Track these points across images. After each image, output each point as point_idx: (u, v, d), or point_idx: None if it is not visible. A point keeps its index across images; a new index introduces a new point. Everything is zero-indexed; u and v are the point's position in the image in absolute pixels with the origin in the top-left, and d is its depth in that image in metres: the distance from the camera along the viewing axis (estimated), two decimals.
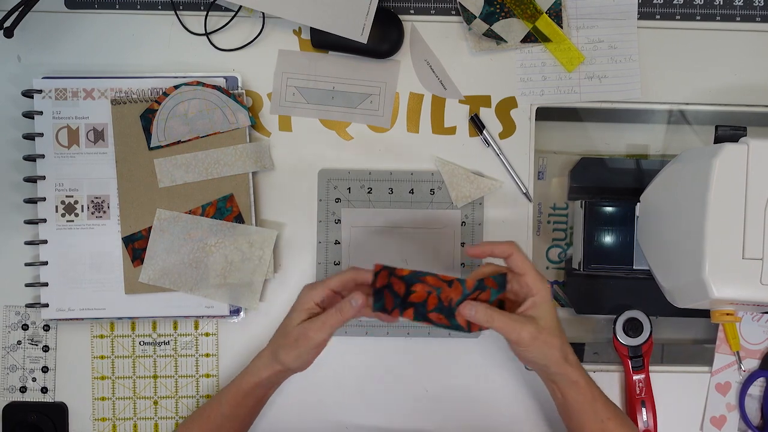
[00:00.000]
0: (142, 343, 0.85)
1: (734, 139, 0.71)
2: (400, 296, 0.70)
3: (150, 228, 0.82)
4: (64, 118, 0.83)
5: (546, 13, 0.83)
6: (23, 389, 0.85)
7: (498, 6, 0.82)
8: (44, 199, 0.83)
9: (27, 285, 0.84)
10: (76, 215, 0.83)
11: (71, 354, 0.85)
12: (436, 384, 0.84)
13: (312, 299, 0.72)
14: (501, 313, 0.68)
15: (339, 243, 0.84)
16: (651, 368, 0.84)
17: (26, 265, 0.83)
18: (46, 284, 0.83)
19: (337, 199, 0.84)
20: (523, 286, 0.70)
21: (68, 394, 0.85)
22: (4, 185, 0.84)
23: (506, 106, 0.85)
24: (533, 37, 0.83)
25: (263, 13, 0.83)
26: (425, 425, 0.84)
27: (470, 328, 0.69)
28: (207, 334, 0.85)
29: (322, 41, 0.83)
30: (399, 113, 0.85)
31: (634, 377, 0.83)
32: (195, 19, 0.84)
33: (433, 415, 0.84)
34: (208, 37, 0.84)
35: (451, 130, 0.85)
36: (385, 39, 0.82)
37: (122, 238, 0.83)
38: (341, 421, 0.84)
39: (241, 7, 0.83)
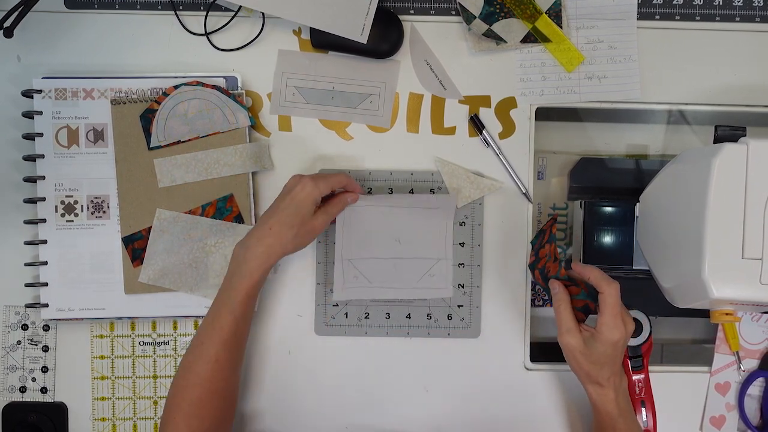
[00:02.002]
0: (141, 343, 0.85)
1: (734, 139, 0.71)
2: (539, 245, 0.81)
3: (150, 228, 0.82)
4: (63, 118, 0.83)
5: (546, 13, 0.83)
6: (23, 389, 0.85)
7: (498, 6, 0.82)
8: (44, 199, 0.83)
9: (27, 285, 0.84)
10: (76, 215, 0.83)
11: (71, 354, 0.85)
12: (436, 384, 0.84)
13: (321, 192, 0.77)
14: (567, 312, 0.75)
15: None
16: (651, 368, 0.84)
17: (26, 265, 0.83)
18: (45, 284, 0.83)
19: None
20: (598, 319, 0.74)
21: (68, 394, 0.85)
22: (4, 185, 0.84)
23: (506, 106, 0.85)
24: (533, 37, 0.83)
25: (263, 13, 0.83)
26: (425, 425, 0.84)
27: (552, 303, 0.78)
28: None
29: (322, 41, 0.83)
30: (399, 113, 0.85)
31: (634, 377, 0.83)
32: (195, 19, 0.84)
33: (433, 415, 0.84)
34: (207, 37, 0.84)
35: (451, 130, 0.85)
36: (385, 39, 0.82)
37: (122, 238, 0.83)
38: (341, 421, 0.84)
39: (240, 7, 0.83)
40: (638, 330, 0.84)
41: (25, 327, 0.85)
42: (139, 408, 0.85)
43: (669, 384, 0.84)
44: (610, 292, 0.73)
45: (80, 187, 0.83)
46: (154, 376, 0.85)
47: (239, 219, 0.83)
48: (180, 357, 0.84)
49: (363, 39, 0.81)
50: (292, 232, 0.76)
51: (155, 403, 0.85)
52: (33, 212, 0.83)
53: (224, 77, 0.83)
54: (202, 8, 0.84)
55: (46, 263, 0.83)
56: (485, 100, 0.85)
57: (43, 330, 0.85)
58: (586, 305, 0.76)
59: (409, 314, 0.84)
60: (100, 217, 0.83)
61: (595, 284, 0.74)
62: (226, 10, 0.84)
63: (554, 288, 0.77)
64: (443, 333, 0.84)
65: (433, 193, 0.84)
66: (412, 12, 0.84)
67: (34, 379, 0.85)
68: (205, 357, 0.74)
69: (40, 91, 0.82)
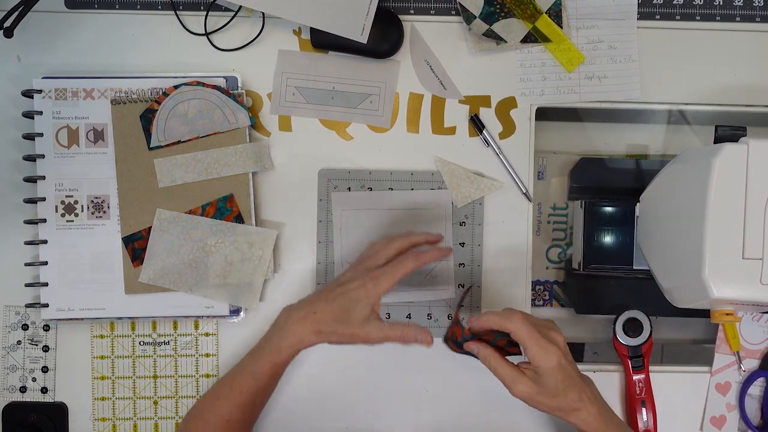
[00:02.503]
0: (142, 343, 0.85)
1: (734, 139, 0.71)
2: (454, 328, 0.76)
3: (150, 228, 0.82)
4: (64, 118, 0.83)
5: (546, 13, 0.83)
6: (23, 389, 0.85)
7: (498, 6, 0.82)
8: (44, 199, 0.83)
9: (27, 285, 0.84)
10: (76, 215, 0.83)
11: (71, 354, 0.85)
12: (436, 384, 0.84)
13: (383, 296, 0.71)
14: (501, 363, 0.70)
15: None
16: (651, 368, 0.84)
17: (26, 265, 0.83)
18: (46, 284, 0.83)
19: None
20: (528, 355, 0.70)
21: (68, 394, 0.85)
22: (4, 185, 0.84)
23: (506, 106, 0.85)
24: (533, 37, 0.83)
25: (263, 13, 0.83)
26: (425, 426, 0.84)
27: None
28: (207, 334, 0.85)
29: (322, 41, 0.83)
30: (399, 113, 0.85)
31: (634, 377, 0.83)
32: (195, 19, 0.84)
33: (433, 415, 0.84)
34: (208, 37, 0.84)
35: (451, 130, 0.85)
36: (385, 39, 0.82)
37: (122, 238, 0.83)
38: (341, 422, 0.84)
39: (241, 7, 0.83)
40: (638, 330, 0.84)
41: (25, 327, 0.85)
42: (139, 408, 0.85)
43: (669, 384, 0.84)
44: (516, 326, 0.68)
45: (80, 187, 0.83)
46: (155, 376, 0.85)
47: (239, 219, 0.83)
48: (180, 357, 0.85)
49: (363, 39, 0.81)
50: (330, 328, 0.71)
51: (155, 403, 0.85)
52: (33, 212, 0.83)
53: (224, 77, 0.83)
54: (202, 8, 0.84)
55: (46, 263, 0.83)
56: (485, 100, 0.85)
57: (44, 330, 0.85)
58: (509, 340, 0.72)
59: (410, 314, 0.84)
60: (100, 217, 0.83)
61: (499, 328, 0.70)
62: (226, 10, 0.84)
63: (473, 348, 0.72)
64: (443, 333, 0.84)
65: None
66: (412, 12, 0.84)
67: (34, 379, 0.85)
68: (218, 412, 0.74)
69: (40, 91, 0.82)
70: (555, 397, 0.69)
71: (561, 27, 0.83)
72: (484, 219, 0.85)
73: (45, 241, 0.83)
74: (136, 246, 0.83)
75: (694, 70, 0.85)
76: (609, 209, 0.86)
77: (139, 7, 0.84)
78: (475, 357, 0.74)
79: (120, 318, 0.83)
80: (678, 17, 0.85)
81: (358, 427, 0.84)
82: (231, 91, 0.82)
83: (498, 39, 0.83)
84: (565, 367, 0.69)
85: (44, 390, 0.85)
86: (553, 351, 0.68)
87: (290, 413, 0.84)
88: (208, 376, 0.85)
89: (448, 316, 0.84)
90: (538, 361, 0.68)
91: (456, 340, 0.75)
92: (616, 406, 0.84)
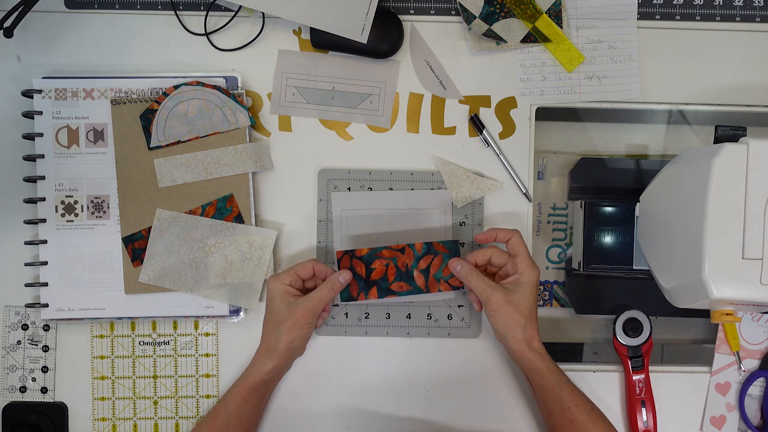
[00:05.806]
0: (141, 343, 0.85)
1: (734, 139, 0.71)
2: (363, 278, 0.79)
3: (150, 228, 0.82)
4: (63, 118, 0.83)
5: (546, 13, 0.83)
6: (23, 389, 0.85)
7: (498, 6, 0.82)
8: (44, 199, 0.83)
9: (27, 285, 0.84)
10: (76, 215, 0.83)
11: (71, 354, 0.85)
12: (436, 384, 0.84)
13: (282, 282, 0.77)
14: (479, 275, 0.76)
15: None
16: (651, 368, 0.84)
17: (26, 265, 0.83)
18: (45, 284, 0.83)
19: None
20: (515, 266, 0.77)
21: (68, 394, 0.85)
22: (4, 185, 0.84)
23: (506, 106, 0.85)
24: (533, 37, 0.83)
25: (263, 13, 0.83)
26: (425, 425, 0.84)
27: (429, 289, 0.79)
28: (207, 334, 0.85)
29: (322, 41, 0.83)
30: (399, 113, 0.85)
31: (634, 377, 0.83)
32: (195, 19, 0.84)
33: (433, 415, 0.84)
34: (208, 37, 0.84)
35: (451, 130, 0.85)
36: (385, 39, 0.82)
37: (122, 238, 0.83)
38: (340, 421, 0.84)
39: (241, 7, 0.83)
40: (638, 330, 0.84)
41: (25, 327, 0.85)
42: (139, 408, 0.85)
43: (669, 384, 0.84)
44: (517, 237, 0.77)
45: (80, 187, 0.83)
46: (154, 376, 0.85)
47: (239, 219, 0.83)
48: (180, 357, 0.85)
49: (363, 39, 0.81)
50: (276, 333, 0.77)
51: (155, 403, 0.85)
52: (33, 212, 0.83)
53: (224, 77, 0.83)
54: (202, 8, 0.84)
55: (46, 263, 0.83)
56: (485, 100, 0.85)
57: (43, 330, 0.85)
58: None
59: (409, 314, 0.84)
60: (100, 217, 0.83)
61: (502, 238, 0.77)
62: (226, 10, 0.84)
63: (456, 265, 0.77)
64: (443, 333, 0.84)
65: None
66: (412, 12, 0.84)
67: (34, 379, 0.85)
68: None
69: (40, 91, 0.82)
70: (521, 312, 0.75)
71: (561, 27, 0.83)
72: (484, 219, 0.85)
73: (45, 241, 0.83)
74: (136, 246, 0.83)
75: (694, 70, 0.85)
76: (609, 209, 0.86)
77: (139, 6, 0.84)
78: (413, 291, 0.79)
79: (120, 318, 0.83)
80: (678, 17, 0.85)
81: (358, 425, 0.84)
82: (231, 91, 0.82)
83: (498, 39, 0.83)
84: (536, 292, 0.76)
85: (44, 390, 0.85)
86: (537, 270, 0.76)
87: (290, 414, 0.84)
88: (207, 376, 0.85)
89: (449, 317, 0.84)
90: (525, 268, 0.76)
91: (406, 272, 0.79)
92: (616, 406, 0.84)
